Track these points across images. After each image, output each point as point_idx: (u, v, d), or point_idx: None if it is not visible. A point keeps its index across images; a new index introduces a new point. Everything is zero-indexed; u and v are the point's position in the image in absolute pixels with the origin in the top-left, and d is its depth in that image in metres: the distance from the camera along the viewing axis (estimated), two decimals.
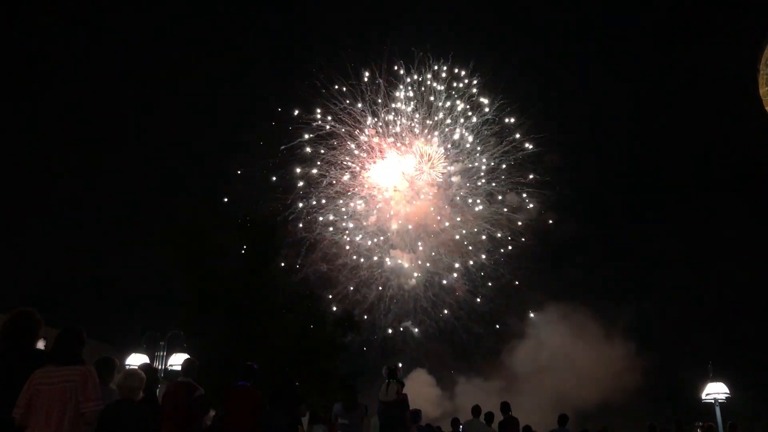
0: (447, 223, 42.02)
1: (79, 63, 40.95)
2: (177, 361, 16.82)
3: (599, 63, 43.66)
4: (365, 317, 40.46)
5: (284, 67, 44.09)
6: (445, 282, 42.02)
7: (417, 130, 42.01)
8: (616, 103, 42.62)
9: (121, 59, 42.22)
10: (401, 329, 41.90)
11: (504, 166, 41.76)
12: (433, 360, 41.90)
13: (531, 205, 41.65)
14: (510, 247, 41.60)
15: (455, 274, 41.93)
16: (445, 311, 41.81)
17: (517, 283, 41.65)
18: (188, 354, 17.74)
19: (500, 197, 41.88)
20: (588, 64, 42.83)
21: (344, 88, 41.55)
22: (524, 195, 41.71)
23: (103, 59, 41.51)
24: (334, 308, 37.17)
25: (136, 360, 16.22)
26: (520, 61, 41.16)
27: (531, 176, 41.43)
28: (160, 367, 17.65)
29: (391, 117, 41.89)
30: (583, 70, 42.89)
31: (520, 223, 41.49)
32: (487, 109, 41.77)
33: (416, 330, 42.06)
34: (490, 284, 41.76)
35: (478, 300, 41.97)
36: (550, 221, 40.56)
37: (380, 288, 41.71)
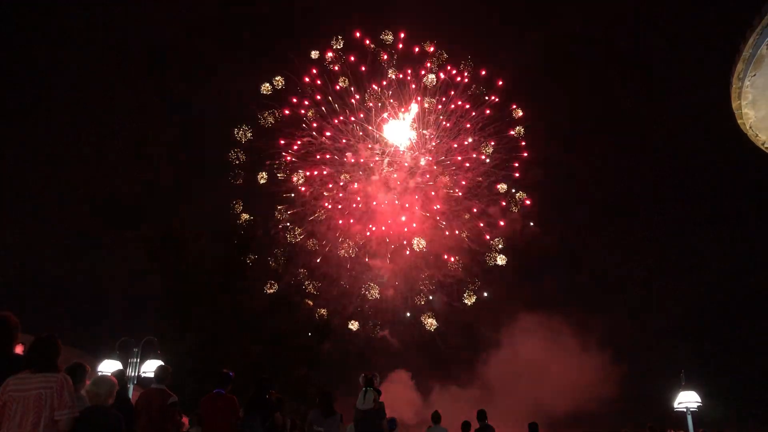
0: (425, 235, 42.07)
1: (59, 66, 40.36)
2: (150, 368, 16.62)
3: (579, 80, 44.14)
4: (345, 325, 40.29)
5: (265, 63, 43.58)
6: (423, 290, 42.02)
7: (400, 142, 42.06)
8: (593, 120, 43.14)
9: (105, 63, 41.63)
10: (379, 337, 41.84)
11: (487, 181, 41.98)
12: (411, 366, 41.94)
13: (513, 210, 41.84)
14: (488, 258, 41.67)
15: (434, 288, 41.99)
16: (423, 321, 41.79)
17: (494, 292, 41.82)
18: (162, 361, 17.58)
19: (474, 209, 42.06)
20: (569, 82, 43.26)
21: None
22: (505, 207, 41.92)
23: (86, 63, 40.98)
24: (313, 316, 36.86)
25: (108, 366, 15.97)
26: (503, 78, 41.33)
27: (513, 191, 41.73)
28: (133, 374, 17.42)
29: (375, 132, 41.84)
30: (567, 87, 43.31)
31: (498, 236, 41.66)
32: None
33: (393, 340, 42.06)
34: (468, 294, 41.79)
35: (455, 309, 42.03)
36: (531, 234, 40.84)
37: (359, 298, 41.64)
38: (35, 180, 37.25)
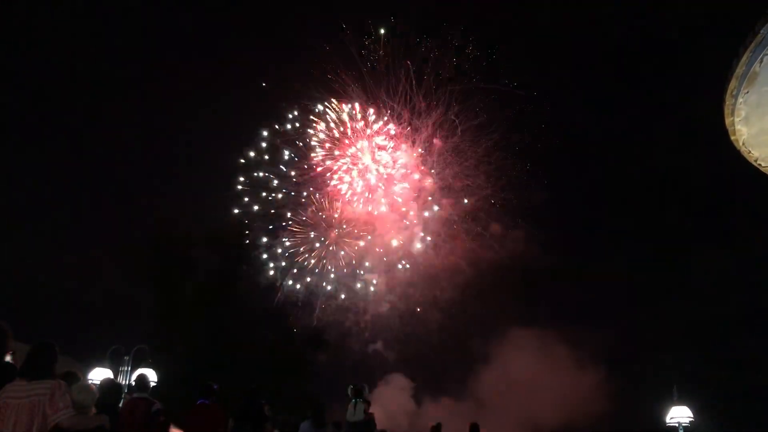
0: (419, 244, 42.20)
1: (50, 72, 40.23)
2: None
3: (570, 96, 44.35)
4: (337, 338, 40.20)
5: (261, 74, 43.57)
6: (418, 309, 42.07)
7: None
8: (588, 138, 43.27)
9: (95, 69, 41.54)
10: (370, 352, 41.81)
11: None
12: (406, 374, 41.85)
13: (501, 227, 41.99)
14: (485, 274, 41.81)
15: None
16: (416, 336, 41.85)
17: (488, 309, 41.86)
18: (154, 369, 17.52)
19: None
20: (563, 100, 43.33)
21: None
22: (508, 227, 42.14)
23: (78, 68, 40.89)
24: (306, 327, 36.78)
25: (99, 374, 15.87)
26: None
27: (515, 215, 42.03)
28: (124, 382, 17.32)
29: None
30: (560, 106, 43.30)
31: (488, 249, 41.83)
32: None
33: (388, 353, 42.05)
34: (463, 310, 41.93)
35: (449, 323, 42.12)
36: (531, 254, 40.95)
37: (354, 311, 41.63)
38: (21, 185, 37.02)
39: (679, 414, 19.05)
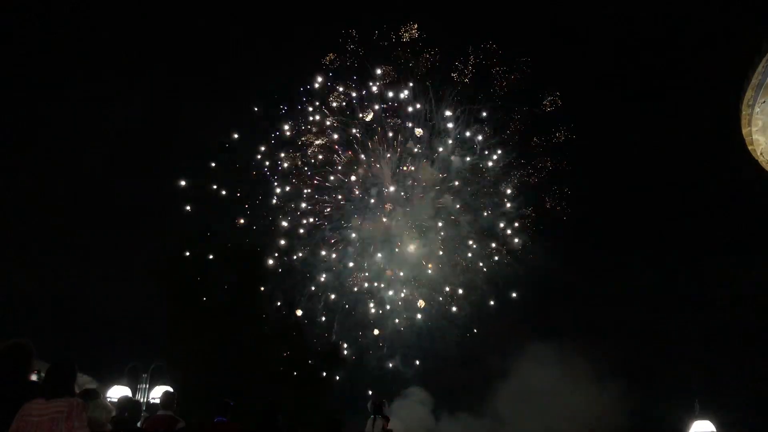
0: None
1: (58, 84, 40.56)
2: (159, 394, 16.55)
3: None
4: (354, 355, 40.09)
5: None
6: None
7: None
8: (602, 151, 43.09)
9: (114, 81, 41.94)
10: (388, 368, 41.64)
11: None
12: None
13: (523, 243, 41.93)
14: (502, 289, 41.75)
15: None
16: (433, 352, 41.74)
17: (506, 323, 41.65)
18: (171, 386, 17.55)
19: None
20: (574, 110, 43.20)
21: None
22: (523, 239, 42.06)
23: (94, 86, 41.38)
24: (322, 342, 36.72)
25: (118, 392, 15.93)
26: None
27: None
28: (142, 399, 17.37)
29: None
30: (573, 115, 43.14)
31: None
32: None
33: (405, 369, 41.90)
34: (478, 326, 41.83)
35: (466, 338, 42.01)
36: (547, 265, 40.73)
37: (371, 326, 41.55)
38: (37, 203, 37.27)
39: (702, 428, 18.79)
